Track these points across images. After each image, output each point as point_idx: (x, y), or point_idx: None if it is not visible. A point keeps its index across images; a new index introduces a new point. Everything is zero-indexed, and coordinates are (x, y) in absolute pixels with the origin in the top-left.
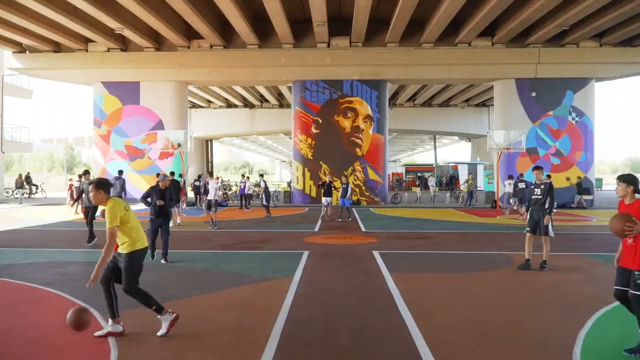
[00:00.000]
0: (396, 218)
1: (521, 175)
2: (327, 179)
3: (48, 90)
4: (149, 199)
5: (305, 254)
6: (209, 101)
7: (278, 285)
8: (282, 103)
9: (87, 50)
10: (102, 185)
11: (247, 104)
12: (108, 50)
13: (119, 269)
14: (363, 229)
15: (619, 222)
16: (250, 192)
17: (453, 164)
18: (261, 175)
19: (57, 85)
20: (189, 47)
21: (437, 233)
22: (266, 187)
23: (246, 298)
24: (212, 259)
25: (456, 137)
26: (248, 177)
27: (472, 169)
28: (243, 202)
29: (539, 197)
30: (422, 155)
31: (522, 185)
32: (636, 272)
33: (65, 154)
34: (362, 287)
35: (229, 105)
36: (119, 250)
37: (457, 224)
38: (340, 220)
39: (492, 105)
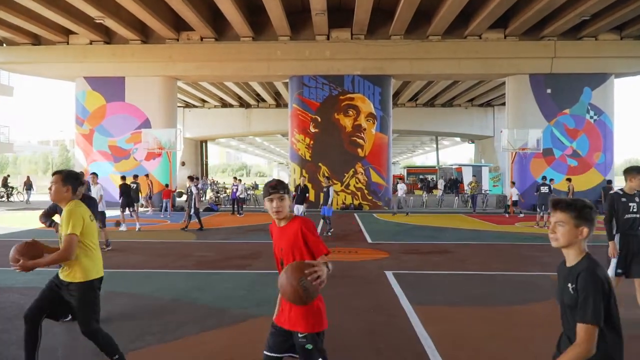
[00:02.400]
0: (404, 225)
1: (544, 178)
2: (300, 181)
3: (49, 91)
4: (57, 217)
5: None
6: (204, 100)
7: (265, 329)
8: (280, 103)
9: (68, 43)
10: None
11: (243, 104)
12: (90, 43)
13: (59, 300)
14: (369, 240)
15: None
16: (243, 196)
17: (457, 166)
18: (190, 178)
19: (56, 85)
20: (177, 40)
21: (456, 245)
22: (196, 193)
23: (219, 355)
24: (184, 282)
25: (457, 139)
26: (240, 180)
27: (477, 171)
28: (235, 207)
29: (637, 215)
30: (421, 158)
31: (544, 189)
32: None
33: (60, 155)
34: (379, 333)
35: (224, 104)
36: (65, 277)
37: (475, 234)
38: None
39: (498, 105)
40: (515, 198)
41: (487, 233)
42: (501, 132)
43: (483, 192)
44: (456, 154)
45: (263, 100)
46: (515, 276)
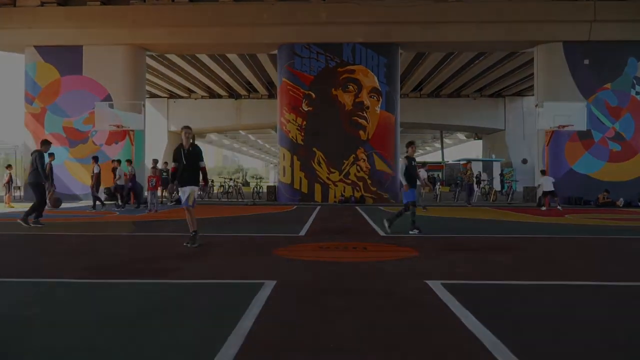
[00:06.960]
0: (423, 218)
1: None
2: (185, 142)
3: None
4: None
5: (267, 288)
6: (190, 90)
7: None
8: (272, 93)
9: (15, 5)
10: None
11: (233, 94)
12: (42, 5)
13: None
14: (381, 233)
15: None
16: (121, 182)
17: (464, 161)
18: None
19: None
20: (144, 0)
21: (516, 239)
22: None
23: None
24: (20, 308)
25: (460, 137)
26: (119, 162)
27: (487, 166)
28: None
29: None
30: (423, 158)
31: None
32: None
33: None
34: None
35: (212, 94)
36: None
37: (528, 226)
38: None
39: (510, 95)
40: (550, 188)
41: (538, 225)
42: (536, 106)
43: (507, 183)
44: (458, 153)
45: (255, 90)
46: None
